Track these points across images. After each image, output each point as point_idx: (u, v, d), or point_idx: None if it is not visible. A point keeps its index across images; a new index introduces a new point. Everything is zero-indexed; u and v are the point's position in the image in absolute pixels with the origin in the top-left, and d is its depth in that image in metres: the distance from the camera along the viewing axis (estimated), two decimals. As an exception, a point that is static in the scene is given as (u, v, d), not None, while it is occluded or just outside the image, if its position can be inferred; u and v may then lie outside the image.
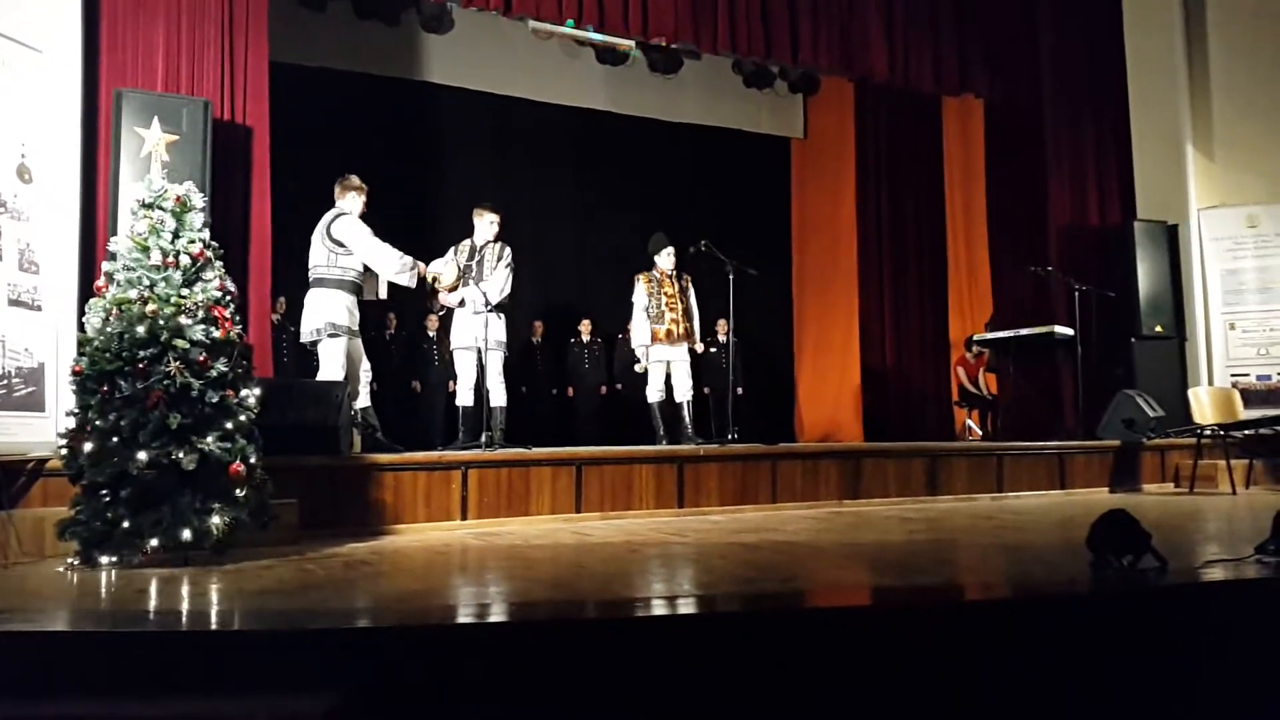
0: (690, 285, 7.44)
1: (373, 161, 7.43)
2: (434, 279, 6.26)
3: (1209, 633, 2.95)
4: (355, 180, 5.90)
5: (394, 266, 5.82)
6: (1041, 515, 5.82)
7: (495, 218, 6.53)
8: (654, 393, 7.33)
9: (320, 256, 5.77)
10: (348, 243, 5.74)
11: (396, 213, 8.39)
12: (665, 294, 7.26)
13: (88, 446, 3.75)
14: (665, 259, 7.32)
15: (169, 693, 2.34)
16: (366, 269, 5.87)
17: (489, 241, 6.49)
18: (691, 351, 7.43)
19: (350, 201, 5.86)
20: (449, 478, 5.23)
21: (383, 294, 6.10)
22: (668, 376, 7.34)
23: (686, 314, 7.33)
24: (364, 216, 5.91)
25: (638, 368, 7.39)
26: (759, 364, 11.05)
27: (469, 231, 6.57)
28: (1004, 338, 8.77)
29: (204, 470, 3.79)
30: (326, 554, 4.19)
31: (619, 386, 10.20)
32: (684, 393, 7.30)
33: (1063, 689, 2.74)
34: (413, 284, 5.99)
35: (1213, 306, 8.94)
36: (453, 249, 6.49)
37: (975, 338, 9.82)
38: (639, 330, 7.33)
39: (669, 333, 7.22)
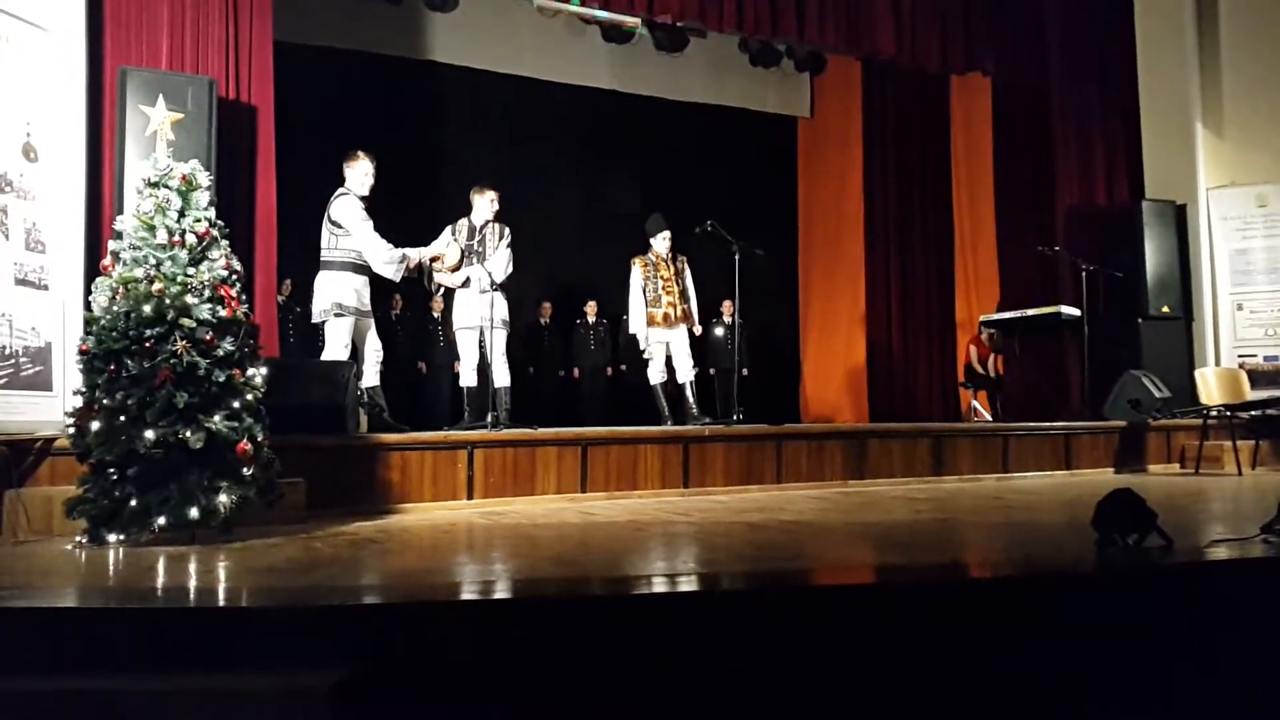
0: (687, 267, 7.39)
1: (377, 141, 7.37)
2: (436, 260, 6.26)
3: (1215, 612, 2.96)
4: (361, 154, 5.86)
5: (382, 257, 5.76)
6: (1047, 495, 5.82)
7: (495, 195, 6.50)
8: (655, 374, 7.30)
9: (324, 238, 5.77)
10: (344, 224, 5.72)
11: (401, 192, 8.38)
12: (662, 277, 7.22)
13: (95, 425, 3.76)
14: (661, 241, 7.26)
15: (177, 669, 2.36)
16: None
17: (488, 221, 6.47)
18: (690, 334, 7.40)
19: (357, 175, 5.82)
20: (455, 457, 5.24)
21: (398, 276, 6.02)
22: (669, 359, 7.33)
23: (684, 296, 7.29)
24: (373, 190, 5.87)
25: (645, 355, 7.33)
26: (764, 344, 11.05)
27: (467, 212, 6.53)
28: (1010, 318, 8.75)
29: (211, 449, 3.80)
30: (333, 532, 4.21)
31: (624, 368, 10.21)
32: (686, 373, 7.27)
33: (1068, 667, 2.74)
34: (398, 277, 5.92)
35: (1221, 287, 8.89)
36: (450, 228, 6.46)
37: (982, 319, 9.80)
38: (636, 315, 7.30)
39: (666, 315, 7.18)
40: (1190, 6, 9.07)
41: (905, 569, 3.36)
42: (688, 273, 7.39)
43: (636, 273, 7.26)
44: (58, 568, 3.43)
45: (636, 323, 7.29)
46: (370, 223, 5.77)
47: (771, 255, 7.74)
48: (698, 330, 7.51)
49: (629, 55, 10.44)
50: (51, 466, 4.42)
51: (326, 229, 5.76)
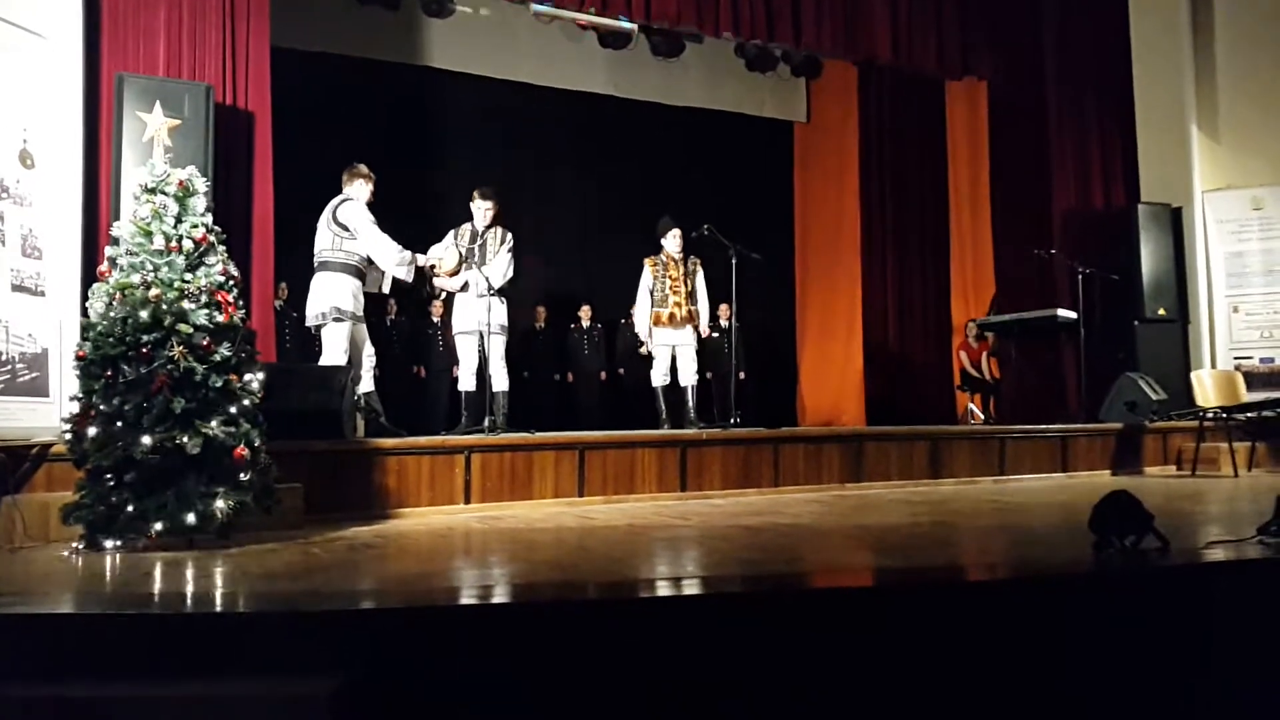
0: (699, 269, 7.42)
1: (374, 147, 7.43)
2: (435, 264, 6.28)
3: (1211, 613, 2.96)
4: (363, 168, 5.92)
5: (393, 259, 5.83)
6: (1044, 497, 5.83)
7: (490, 205, 6.52)
8: (658, 377, 7.33)
9: (326, 240, 5.79)
10: (352, 227, 5.75)
11: (398, 198, 8.39)
12: (670, 277, 7.26)
13: (92, 431, 3.76)
14: (671, 241, 7.31)
15: (174, 675, 2.35)
16: (370, 259, 5.88)
17: (490, 226, 6.49)
18: (697, 335, 7.42)
19: (357, 189, 5.88)
20: (452, 462, 5.24)
21: (385, 288, 6.17)
22: (673, 361, 7.34)
23: (691, 297, 7.31)
24: (370, 204, 5.91)
25: (642, 351, 7.38)
26: (761, 348, 11.05)
27: (470, 216, 6.56)
28: (1007, 321, 8.76)
29: (208, 454, 3.79)
30: (330, 537, 4.21)
31: (620, 371, 10.21)
32: (689, 377, 7.30)
33: (1065, 669, 2.75)
34: (410, 278, 6.02)
35: (1216, 289, 8.92)
36: (452, 233, 6.49)
37: (978, 321, 9.83)
38: (641, 314, 7.34)
39: (672, 316, 7.21)
40: (1185, 10, 9.09)
41: (903, 572, 3.37)
42: (699, 274, 7.41)
43: (646, 273, 7.31)
44: (54, 574, 3.43)
45: (641, 322, 7.35)
46: (378, 227, 5.82)
47: (768, 259, 7.74)
48: (704, 332, 7.53)
49: (626, 60, 10.46)
50: (48, 472, 4.41)
51: (329, 231, 5.77)
